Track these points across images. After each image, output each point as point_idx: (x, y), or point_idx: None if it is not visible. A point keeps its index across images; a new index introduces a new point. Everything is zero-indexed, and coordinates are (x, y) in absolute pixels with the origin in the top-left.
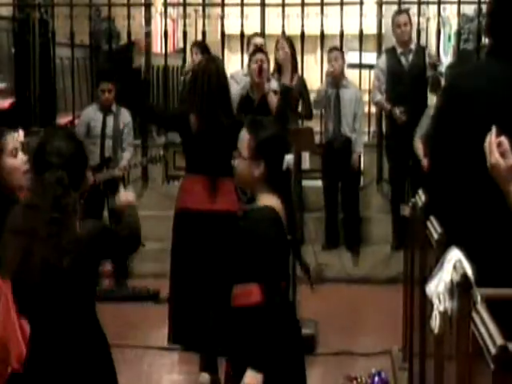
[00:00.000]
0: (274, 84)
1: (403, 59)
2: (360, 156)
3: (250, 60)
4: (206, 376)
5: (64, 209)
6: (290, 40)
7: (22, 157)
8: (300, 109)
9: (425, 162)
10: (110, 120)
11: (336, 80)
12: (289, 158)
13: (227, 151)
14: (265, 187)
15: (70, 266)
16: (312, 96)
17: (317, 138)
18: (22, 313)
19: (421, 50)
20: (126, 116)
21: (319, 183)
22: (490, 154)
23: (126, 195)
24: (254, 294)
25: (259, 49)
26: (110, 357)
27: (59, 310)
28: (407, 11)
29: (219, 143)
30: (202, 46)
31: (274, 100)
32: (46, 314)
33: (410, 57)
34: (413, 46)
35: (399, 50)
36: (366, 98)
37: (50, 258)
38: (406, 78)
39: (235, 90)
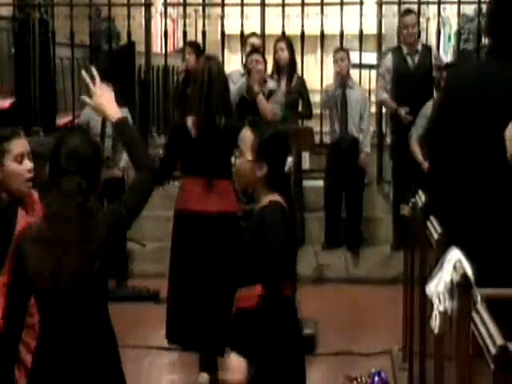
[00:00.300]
0: (270, 84)
1: (409, 59)
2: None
3: (246, 60)
4: (205, 376)
5: (89, 213)
6: (288, 40)
7: (27, 164)
8: (300, 109)
9: (425, 165)
10: None
11: (342, 80)
12: (290, 160)
13: (225, 152)
14: (266, 188)
15: (100, 269)
16: (314, 96)
17: (317, 138)
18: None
19: (427, 50)
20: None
21: (319, 183)
22: (510, 144)
23: (101, 92)
24: (257, 296)
25: (255, 49)
26: (119, 356)
27: (79, 310)
28: (414, 12)
29: (218, 144)
30: (195, 46)
31: (262, 102)
32: (65, 314)
33: (416, 57)
34: (419, 47)
35: (405, 50)
36: None
37: (82, 263)
38: (411, 78)
39: (232, 89)
